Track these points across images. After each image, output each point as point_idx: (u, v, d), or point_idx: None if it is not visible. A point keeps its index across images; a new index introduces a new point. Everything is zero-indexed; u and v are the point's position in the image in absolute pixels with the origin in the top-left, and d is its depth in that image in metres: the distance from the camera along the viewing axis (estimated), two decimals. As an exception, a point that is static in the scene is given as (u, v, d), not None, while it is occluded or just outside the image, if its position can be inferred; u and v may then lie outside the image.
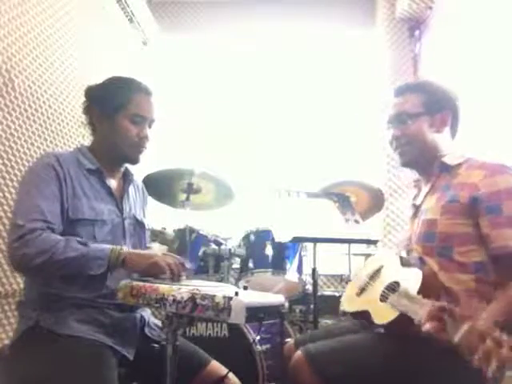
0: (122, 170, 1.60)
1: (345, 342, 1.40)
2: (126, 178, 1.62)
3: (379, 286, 1.43)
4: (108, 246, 1.36)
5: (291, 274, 2.37)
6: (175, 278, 1.34)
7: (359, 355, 1.32)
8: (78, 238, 1.35)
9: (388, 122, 1.56)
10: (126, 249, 1.38)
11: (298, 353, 1.36)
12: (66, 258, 1.29)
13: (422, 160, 1.52)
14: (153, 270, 1.34)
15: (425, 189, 1.54)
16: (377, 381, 1.28)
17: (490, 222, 1.31)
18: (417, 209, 1.53)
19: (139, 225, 1.62)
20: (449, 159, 1.47)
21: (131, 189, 1.64)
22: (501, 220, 1.29)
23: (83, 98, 1.56)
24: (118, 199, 1.54)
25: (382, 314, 1.32)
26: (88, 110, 1.55)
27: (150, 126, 1.55)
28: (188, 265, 1.49)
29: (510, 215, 1.29)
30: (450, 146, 1.52)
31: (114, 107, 1.49)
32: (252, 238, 2.43)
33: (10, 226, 1.36)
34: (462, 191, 1.36)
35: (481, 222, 1.32)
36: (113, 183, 1.56)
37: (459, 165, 1.44)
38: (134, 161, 1.56)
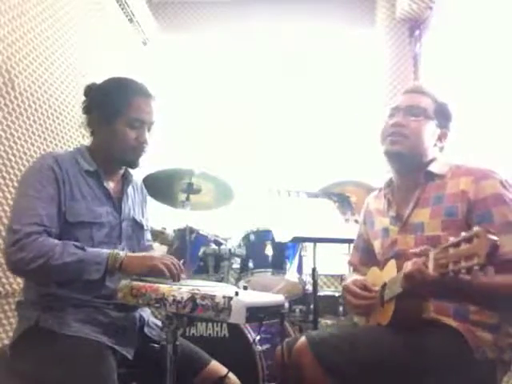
0: (122, 171, 1.60)
1: (348, 331, 1.40)
2: (125, 179, 1.61)
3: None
4: (106, 251, 1.35)
5: (291, 274, 2.37)
6: (175, 278, 1.34)
7: (361, 343, 1.31)
8: (75, 243, 1.34)
9: (395, 109, 1.50)
10: (124, 253, 1.37)
11: (302, 338, 1.36)
12: (63, 263, 1.29)
13: (409, 160, 1.46)
14: (152, 273, 1.33)
15: (408, 199, 1.47)
16: (378, 369, 1.27)
17: None
18: (402, 222, 1.47)
19: (138, 226, 1.62)
20: (435, 168, 1.44)
21: (130, 189, 1.63)
22: (493, 228, 1.25)
23: (83, 98, 1.56)
24: (116, 201, 1.54)
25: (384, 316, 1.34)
26: (87, 110, 1.55)
27: (149, 130, 1.53)
28: (185, 271, 1.48)
29: (502, 221, 1.28)
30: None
31: (112, 112, 1.48)
32: (252, 237, 2.43)
33: (7, 230, 1.35)
34: (458, 203, 1.34)
35: None
36: (111, 185, 1.55)
37: (445, 173, 1.42)
38: (133, 165, 1.55)
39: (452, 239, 1.03)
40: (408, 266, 1.19)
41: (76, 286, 1.36)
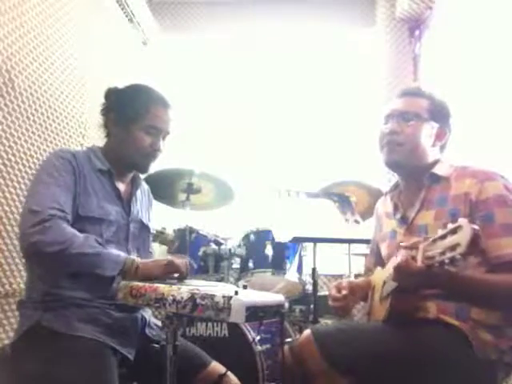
0: (131, 174, 1.62)
1: (353, 325, 1.41)
2: (135, 182, 1.63)
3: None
4: (124, 254, 1.39)
5: (291, 274, 2.37)
6: (186, 276, 1.39)
7: (365, 338, 1.32)
8: (98, 238, 1.37)
9: (388, 116, 1.51)
10: (138, 259, 1.40)
11: (307, 331, 1.37)
12: (81, 252, 1.30)
13: (409, 166, 1.48)
14: (170, 271, 1.38)
15: (413, 201, 1.49)
16: (380, 364, 1.28)
17: (483, 233, 1.30)
18: (408, 224, 1.48)
19: (144, 228, 1.64)
20: (439, 170, 1.45)
21: (139, 193, 1.66)
22: (494, 229, 1.28)
23: (83, 98, 1.57)
24: (125, 202, 1.56)
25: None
26: (105, 112, 1.56)
27: (163, 138, 1.56)
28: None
29: (503, 223, 1.28)
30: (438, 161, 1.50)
31: (130, 116, 1.50)
32: (252, 237, 2.43)
33: (24, 212, 1.35)
34: (461, 205, 1.34)
35: None
36: (121, 186, 1.58)
37: (449, 175, 1.42)
38: (144, 170, 1.59)
39: (440, 232, 1.05)
40: (397, 258, 1.20)
41: (86, 281, 1.37)
